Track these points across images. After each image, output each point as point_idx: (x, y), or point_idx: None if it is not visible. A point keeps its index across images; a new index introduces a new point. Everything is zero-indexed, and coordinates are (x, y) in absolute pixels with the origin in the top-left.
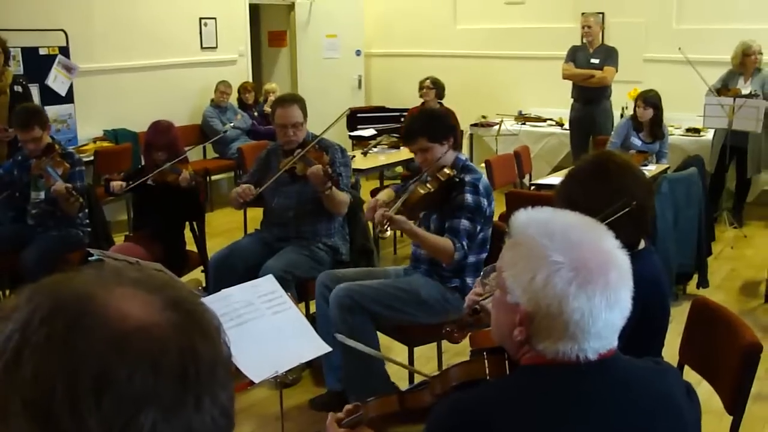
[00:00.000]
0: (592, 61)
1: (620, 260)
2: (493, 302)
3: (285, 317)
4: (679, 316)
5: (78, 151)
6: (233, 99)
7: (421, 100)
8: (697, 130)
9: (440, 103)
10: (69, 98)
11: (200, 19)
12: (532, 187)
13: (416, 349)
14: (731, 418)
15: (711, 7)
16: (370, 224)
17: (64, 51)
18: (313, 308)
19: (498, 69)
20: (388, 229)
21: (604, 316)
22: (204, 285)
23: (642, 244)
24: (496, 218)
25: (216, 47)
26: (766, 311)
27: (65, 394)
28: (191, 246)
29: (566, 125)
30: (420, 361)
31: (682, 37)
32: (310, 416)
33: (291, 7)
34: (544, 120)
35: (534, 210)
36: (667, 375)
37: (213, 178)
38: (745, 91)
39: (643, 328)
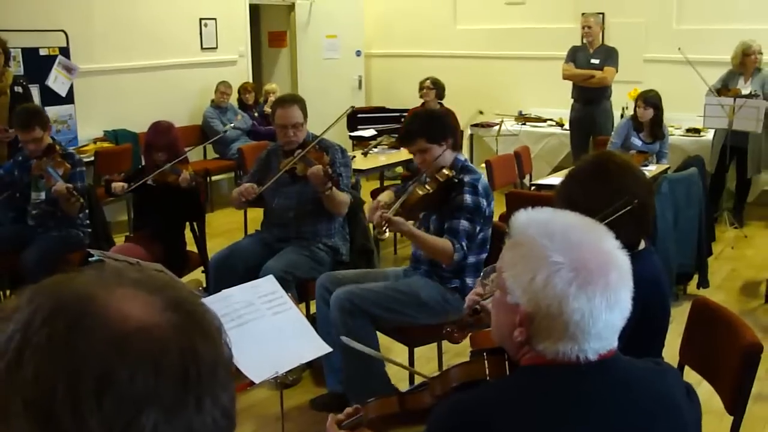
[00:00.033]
0: (593, 61)
1: (620, 261)
2: (493, 303)
3: (285, 318)
4: (679, 317)
5: (78, 151)
6: (233, 99)
7: (422, 101)
8: (697, 131)
9: (440, 104)
10: (69, 99)
11: (200, 19)
12: (533, 188)
13: (416, 350)
14: (732, 418)
15: (711, 7)
16: (371, 225)
17: (65, 52)
18: (313, 309)
19: (498, 69)
20: (387, 230)
21: (604, 316)
22: (204, 285)
23: (642, 245)
24: (496, 218)
25: (216, 48)
26: (767, 311)
27: (66, 394)
28: (191, 246)
29: (566, 125)
30: (420, 362)
31: (682, 38)
32: (311, 417)
33: (291, 7)
34: (545, 120)
35: (534, 210)
36: (667, 376)
37: (213, 178)
38: (745, 91)
39: (643, 329)
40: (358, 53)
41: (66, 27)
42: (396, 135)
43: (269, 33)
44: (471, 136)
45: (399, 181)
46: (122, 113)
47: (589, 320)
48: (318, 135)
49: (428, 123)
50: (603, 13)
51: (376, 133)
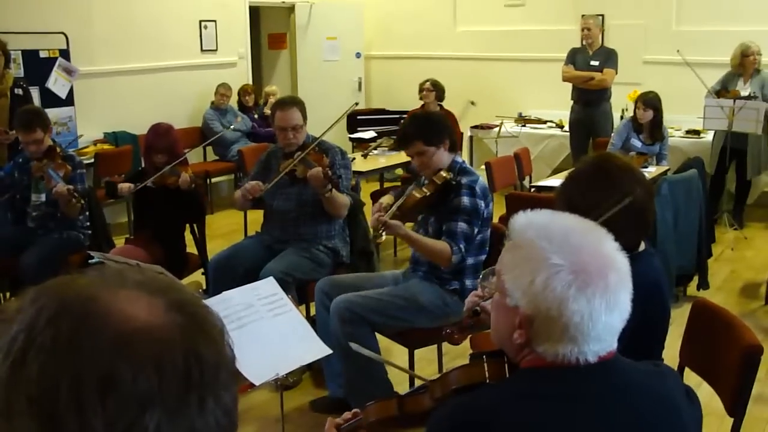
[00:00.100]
0: (592, 63)
1: (619, 263)
2: (492, 305)
3: (285, 319)
4: (679, 318)
5: (78, 153)
6: (233, 101)
7: (421, 103)
8: (697, 132)
9: (440, 106)
10: (69, 101)
11: (200, 21)
12: (532, 189)
13: (416, 352)
14: (732, 420)
15: (710, 8)
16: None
17: (65, 54)
18: (313, 311)
19: (498, 71)
20: (384, 234)
21: (603, 318)
22: (204, 287)
23: (642, 246)
24: (496, 220)
25: (216, 50)
26: (767, 313)
27: (70, 394)
28: (191, 248)
29: (566, 127)
30: (420, 364)
31: (681, 39)
32: (311, 418)
33: (291, 9)
34: (544, 122)
35: (533, 213)
36: (667, 377)
37: (213, 180)
38: (744, 93)
39: (643, 330)
40: (358, 55)
41: (66, 29)
42: (396, 137)
43: (269, 35)
44: (471, 137)
45: (399, 183)
46: (122, 115)
47: (588, 322)
48: (318, 137)
49: (425, 125)
50: (602, 15)
51: (375, 134)
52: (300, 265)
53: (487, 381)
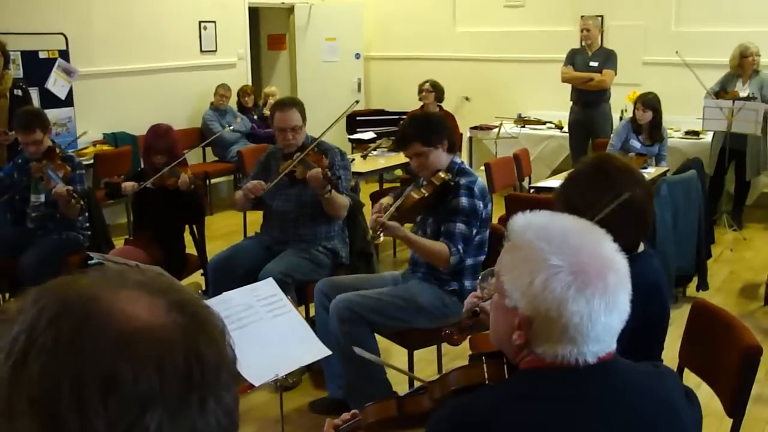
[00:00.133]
0: (591, 64)
1: (619, 264)
2: (491, 306)
3: (285, 320)
4: (678, 319)
5: (78, 154)
6: (233, 102)
7: (421, 104)
8: (696, 133)
9: (440, 107)
10: (69, 102)
11: (200, 22)
12: (532, 190)
13: (416, 353)
14: (731, 420)
15: (709, 9)
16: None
17: (64, 54)
18: (312, 311)
19: (497, 72)
20: (381, 235)
21: (603, 319)
22: (204, 288)
23: (641, 247)
24: (495, 221)
25: (215, 51)
26: (766, 314)
27: (71, 395)
28: (191, 249)
29: (565, 128)
30: (420, 365)
31: (680, 40)
32: (311, 419)
33: (290, 10)
34: (544, 123)
35: (532, 214)
36: (666, 378)
37: (213, 181)
38: (743, 94)
39: (642, 331)
40: (358, 56)
41: (65, 30)
42: (394, 138)
43: (268, 36)
44: (470, 138)
45: (398, 184)
46: (122, 116)
47: (587, 323)
48: (317, 138)
49: (423, 126)
50: (602, 16)
51: (375, 135)
52: (299, 266)
53: (487, 382)
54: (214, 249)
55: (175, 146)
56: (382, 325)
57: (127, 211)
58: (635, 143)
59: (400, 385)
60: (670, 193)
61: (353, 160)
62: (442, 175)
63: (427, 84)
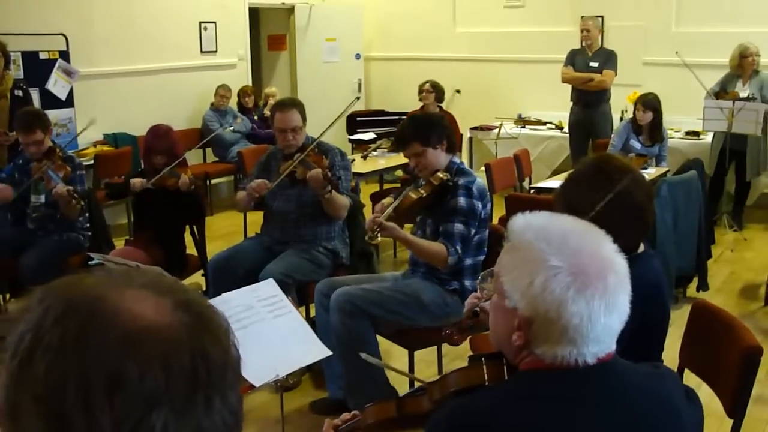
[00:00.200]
0: (591, 64)
1: (618, 265)
2: (491, 307)
3: (285, 321)
4: (679, 320)
5: (78, 155)
6: (233, 103)
7: (421, 104)
8: (696, 133)
9: (440, 107)
10: (69, 102)
11: (200, 23)
12: (532, 191)
13: (416, 354)
14: (731, 421)
15: (710, 10)
16: None
17: (65, 55)
18: (313, 312)
19: (497, 72)
20: (379, 235)
21: (602, 320)
22: (204, 289)
23: (642, 248)
24: (496, 221)
25: (216, 51)
26: (766, 314)
27: (78, 393)
28: (191, 250)
29: (566, 128)
30: (420, 366)
31: (681, 40)
32: (311, 420)
33: (291, 11)
34: (544, 123)
35: (532, 214)
36: (666, 379)
37: (213, 182)
38: (743, 94)
39: (642, 332)
40: (358, 56)
41: (66, 30)
42: (393, 138)
43: (269, 36)
44: (470, 139)
45: (398, 185)
46: (122, 117)
47: (587, 324)
48: (317, 137)
49: (422, 126)
50: (602, 17)
51: (375, 136)
52: (300, 266)
53: (486, 383)
54: (214, 249)
55: (175, 147)
56: (382, 319)
57: (127, 212)
58: (635, 144)
59: (399, 387)
60: (671, 193)
61: (353, 160)
62: (440, 175)
63: (428, 84)
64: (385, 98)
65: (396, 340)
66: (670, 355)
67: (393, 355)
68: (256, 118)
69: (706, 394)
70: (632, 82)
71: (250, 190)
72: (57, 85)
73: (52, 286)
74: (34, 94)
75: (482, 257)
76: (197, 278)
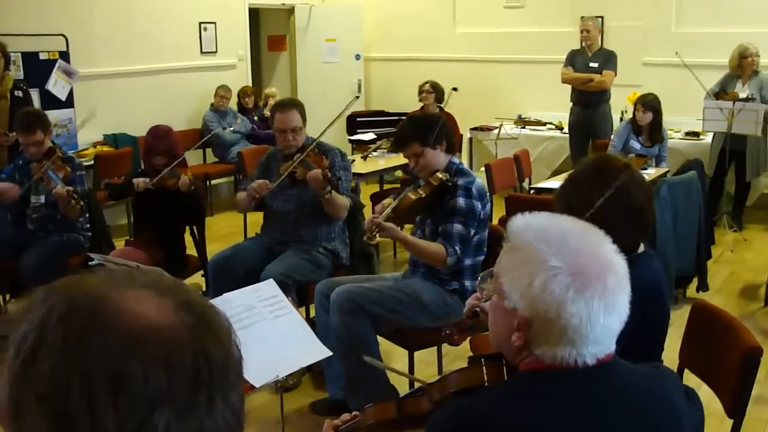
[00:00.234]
0: (591, 65)
1: (618, 265)
2: (490, 307)
3: (286, 321)
4: (678, 320)
5: (78, 155)
6: (233, 103)
7: (421, 104)
8: (696, 134)
9: (440, 107)
10: (69, 103)
11: (200, 23)
12: (532, 191)
13: (416, 354)
14: (731, 421)
15: (709, 10)
16: None
17: (65, 56)
18: (313, 312)
19: (497, 73)
20: (377, 236)
21: (602, 321)
22: (204, 289)
23: (642, 248)
24: (495, 222)
25: (216, 52)
26: (766, 314)
27: (82, 393)
28: (191, 250)
29: (566, 129)
30: (420, 366)
31: (680, 41)
32: (311, 420)
33: (291, 11)
34: (544, 124)
35: (531, 215)
36: (666, 379)
37: (213, 182)
38: (742, 95)
39: (642, 332)
40: (358, 57)
41: (66, 31)
42: (393, 138)
43: (269, 37)
44: (470, 139)
45: (398, 185)
46: (122, 117)
47: (587, 325)
48: (317, 137)
49: (421, 127)
50: (602, 17)
51: (375, 136)
52: (300, 267)
53: (486, 384)
54: (214, 250)
55: (175, 147)
56: (382, 317)
57: (127, 212)
58: (635, 144)
59: (399, 387)
60: (671, 194)
61: (353, 161)
62: (439, 175)
63: (427, 85)
64: (385, 99)
65: (396, 341)
66: (670, 355)
67: (393, 355)
68: (256, 118)
69: (706, 394)
70: (632, 83)
71: (250, 190)
72: (57, 85)
73: (55, 286)
74: (34, 95)
75: (482, 257)
76: (197, 279)
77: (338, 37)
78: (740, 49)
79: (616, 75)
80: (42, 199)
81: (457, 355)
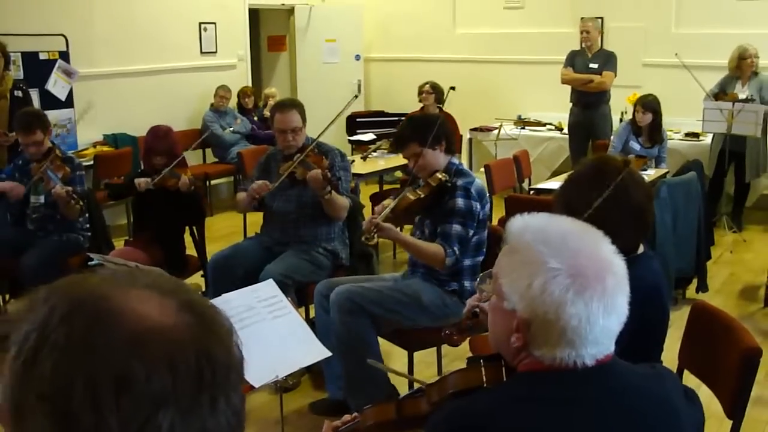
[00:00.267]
0: (591, 65)
1: (617, 266)
2: (489, 308)
3: (285, 322)
4: (678, 321)
5: (78, 155)
6: (233, 104)
7: (421, 105)
8: (696, 135)
9: (440, 108)
10: (69, 103)
11: (200, 23)
12: (532, 192)
13: (416, 354)
14: (731, 422)
15: (709, 11)
16: None
17: (64, 56)
18: (312, 313)
19: (497, 73)
20: (376, 236)
21: (601, 322)
22: (204, 290)
23: (641, 249)
24: (495, 222)
25: (216, 52)
26: (766, 315)
27: (86, 393)
28: (191, 250)
29: (565, 130)
30: (419, 367)
31: (680, 42)
32: (310, 420)
33: (290, 11)
34: (544, 124)
35: (530, 216)
36: (665, 379)
37: (213, 182)
38: (742, 96)
39: (642, 333)
40: (358, 57)
41: (66, 31)
42: (392, 139)
43: (269, 37)
44: (470, 140)
45: (398, 185)
46: (122, 117)
47: (586, 326)
48: (318, 137)
49: (421, 127)
50: (602, 18)
51: (375, 137)
52: (299, 267)
53: (485, 385)
54: (214, 250)
55: (175, 147)
56: (382, 317)
57: (127, 212)
58: (635, 145)
59: (399, 388)
60: (670, 194)
61: (353, 161)
62: (438, 176)
63: (427, 85)
64: (384, 99)
65: (396, 341)
66: (670, 356)
67: (393, 355)
68: (255, 118)
69: (705, 395)
70: (632, 84)
71: (251, 191)
72: (57, 85)
73: (57, 286)
74: (34, 95)
75: (481, 258)
76: (197, 279)
77: (338, 38)
78: (740, 51)
79: (615, 76)
80: (41, 199)
81: (457, 356)
